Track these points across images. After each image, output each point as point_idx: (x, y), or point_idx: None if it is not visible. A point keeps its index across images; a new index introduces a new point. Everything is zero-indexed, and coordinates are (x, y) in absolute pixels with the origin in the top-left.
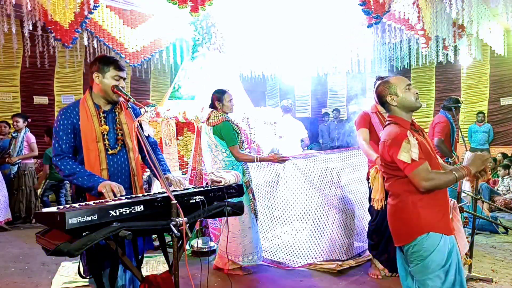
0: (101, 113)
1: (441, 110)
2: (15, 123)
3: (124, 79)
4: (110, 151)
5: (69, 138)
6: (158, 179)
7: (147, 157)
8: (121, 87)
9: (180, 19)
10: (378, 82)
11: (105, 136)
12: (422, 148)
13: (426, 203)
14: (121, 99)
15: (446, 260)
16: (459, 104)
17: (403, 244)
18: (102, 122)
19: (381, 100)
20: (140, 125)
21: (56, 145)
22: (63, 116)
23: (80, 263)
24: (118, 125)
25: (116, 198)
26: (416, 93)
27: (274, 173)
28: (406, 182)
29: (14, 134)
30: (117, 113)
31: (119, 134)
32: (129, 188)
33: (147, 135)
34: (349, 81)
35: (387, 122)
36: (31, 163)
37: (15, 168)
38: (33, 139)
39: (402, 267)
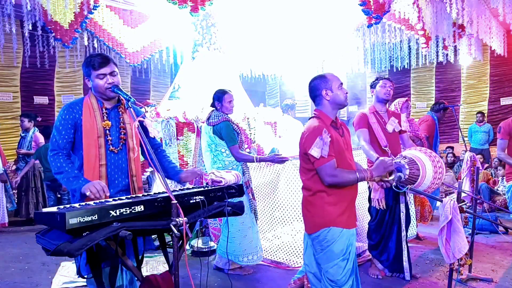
0: (103, 109)
1: (429, 111)
2: (21, 123)
3: (112, 72)
4: (111, 148)
5: (68, 132)
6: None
7: (147, 157)
8: (111, 82)
9: (180, 19)
10: (314, 76)
11: (107, 132)
12: (335, 146)
13: (332, 200)
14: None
15: (345, 251)
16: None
17: (310, 233)
18: (105, 118)
19: (315, 92)
20: (142, 125)
21: (54, 139)
22: (65, 111)
23: (77, 262)
24: (122, 124)
25: (102, 200)
26: (346, 93)
27: (274, 174)
28: (318, 179)
29: (22, 134)
30: (120, 113)
31: (122, 133)
32: (127, 189)
33: (152, 137)
34: (349, 81)
35: (312, 115)
36: (38, 163)
37: (22, 165)
38: (41, 138)
39: (311, 254)
